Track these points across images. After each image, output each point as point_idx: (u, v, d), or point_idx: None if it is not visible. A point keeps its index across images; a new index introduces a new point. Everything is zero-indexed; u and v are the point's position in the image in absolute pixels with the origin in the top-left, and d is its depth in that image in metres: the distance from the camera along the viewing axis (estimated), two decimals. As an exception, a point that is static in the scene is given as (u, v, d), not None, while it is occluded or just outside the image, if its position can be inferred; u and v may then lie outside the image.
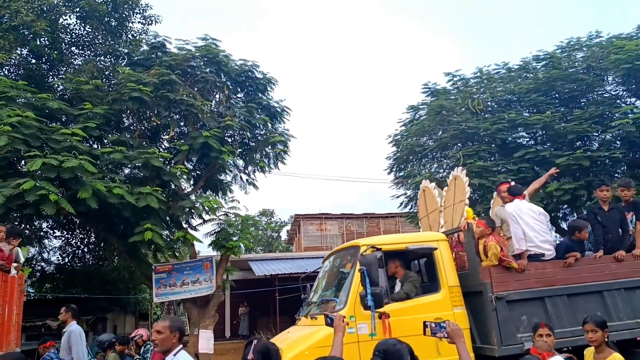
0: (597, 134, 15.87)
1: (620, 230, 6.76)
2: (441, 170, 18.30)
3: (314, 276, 7.81)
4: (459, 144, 17.25)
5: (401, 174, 19.16)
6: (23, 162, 11.87)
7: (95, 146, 14.03)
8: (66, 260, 19.07)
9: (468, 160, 15.65)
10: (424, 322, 3.76)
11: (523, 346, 5.71)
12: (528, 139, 17.24)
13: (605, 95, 16.65)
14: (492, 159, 16.62)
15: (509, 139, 16.57)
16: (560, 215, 17.93)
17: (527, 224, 6.36)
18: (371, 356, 3.08)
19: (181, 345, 3.91)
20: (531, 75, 17.52)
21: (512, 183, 7.84)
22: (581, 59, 16.82)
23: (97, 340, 7.03)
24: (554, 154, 15.11)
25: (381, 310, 5.72)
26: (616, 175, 15.75)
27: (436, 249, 6.46)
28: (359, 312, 5.78)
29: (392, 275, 6.54)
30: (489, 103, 17.56)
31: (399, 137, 19.66)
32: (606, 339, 4.31)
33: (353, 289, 5.92)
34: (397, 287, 6.43)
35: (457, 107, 17.58)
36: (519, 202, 6.65)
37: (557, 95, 16.81)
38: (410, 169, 18.92)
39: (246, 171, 16.77)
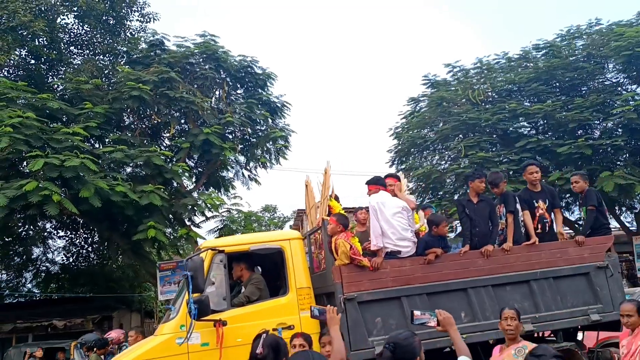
0: (598, 122, 15.84)
1: (490, 223, 6.26)
2: (443, 162, 18.28)
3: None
4: (460, 135, 17.22)
5: (403, 166, 19.14)
6: (25, 162, 11.89)
7: (96, 145, 14.05)
8: (71, 260, 19.10)
9: (469, 152, 15.63)
10: (411, 311, 3.50)
11: (374, 350, 5.27)
12: (529, 129, 17.20)
13: (606, 83, 16.59)
14: (493, 149, 16.59)
15: (510, 129, 16.53)
16: (563, 204, 17.91)
17: (387, 219, 5.88)
18: None
19: None
20: (531, 64, 17.45)
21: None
22: (581, 47, 16.75)
23: (83, 339, 6.78)
24: (555, 143, 15.09)
25: (215, 317, 5.38)
26: (618, 163, 15.71)
27: (279, 248, 6.04)
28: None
29: (238, 278, 6.20)
30: (490, 93, 17.51)
31: (399, 129, 19.63)
32: None
33: (186, 297, 5.50)
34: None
35: (458, 98, 17.54)
36: (384, 194, 6.11)
37: (557, 84, 16.75)
38: (412, 161, 18.90)
39: (248, 167, 16.77)
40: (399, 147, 19.33)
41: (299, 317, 5.73)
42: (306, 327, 5.59)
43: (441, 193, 17.56)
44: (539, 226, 6.37)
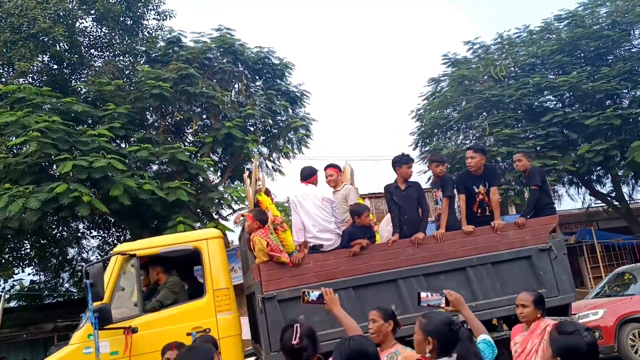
0: (626, 91, 15.46)
1: (419, 210, 5.99)
2: (467, 142, 18.01)
3: None
4: (484, 113, 16.95)
5: (426, 148, 18.94)
6: (54, 166, 12.15)
7: (122, 145, 14.27)
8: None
9: (494, 129, 15.38)
10: (418, 293, 3.29)
11: None
12: (555, 102, 16.83)
13: (632, 50, 16.13)
14: (519, 125, 16.29)
15: (535, 103, 16.19)
16: (595, 177, 17.52)
17: (307, 212, 5.65)
18: None
19: None
20: (554, 36, 17.04)
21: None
22: (605, 14, 16.29)
23: None
24: (582, 115, 14.75)
25: (125, 324, 5.25)
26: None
27: (194, 249, 5.84)
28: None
29: (155, 282, 6.02)
30: (512, 69, 17.17)
31: (421, 111, 19.40)
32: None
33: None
34: None
35: (479, 76, 17.23)
36: (305, 187, 5.91)
37: (582, 54, 16.34)
38: (436, 142, 18.68)
39: (271, 158, 16.82)
40: (422, 129, 19.11)
41: (215, 319, 5.58)
42: (223, 329, 5.49)
43: (467, 173, 17.35)
44: (479, 210, 6.15)
